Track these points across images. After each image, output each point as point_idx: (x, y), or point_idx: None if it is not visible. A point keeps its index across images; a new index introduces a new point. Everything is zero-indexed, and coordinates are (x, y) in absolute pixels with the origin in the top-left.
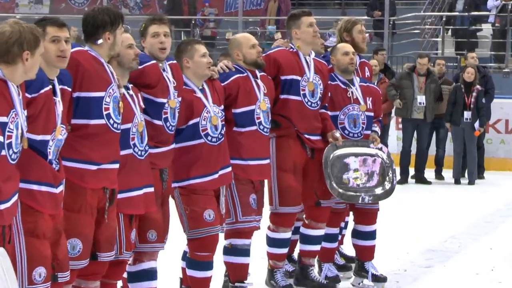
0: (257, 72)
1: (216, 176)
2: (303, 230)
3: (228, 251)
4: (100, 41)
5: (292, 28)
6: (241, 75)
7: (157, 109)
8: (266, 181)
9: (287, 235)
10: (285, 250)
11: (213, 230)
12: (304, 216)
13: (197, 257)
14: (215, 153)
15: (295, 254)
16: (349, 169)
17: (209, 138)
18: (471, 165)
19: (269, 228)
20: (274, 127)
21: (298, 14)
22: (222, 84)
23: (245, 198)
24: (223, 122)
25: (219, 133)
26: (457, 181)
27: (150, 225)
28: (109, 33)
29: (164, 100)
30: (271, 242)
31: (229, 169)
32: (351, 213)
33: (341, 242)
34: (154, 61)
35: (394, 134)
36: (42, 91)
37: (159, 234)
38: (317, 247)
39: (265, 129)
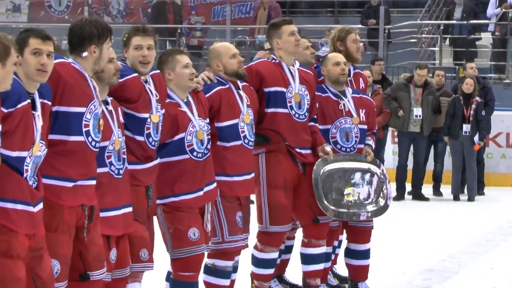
0: (238, 83)
1: (201, 193)
2: (304, 250)
3: (209, 271)
4: (85, 54)
5: (273, 38)
6: (223, 87)
7: (138, 125)
8: (255, 199)
9: (275, 255)
10: (271, 271)
11: (197, 250)
12: (302, 235)
13: (181, 278)
14: (201, 169)
15: (286, 275)
16: (341, 185)
17: (195, 153)
18: (471, 180)
19: (256, 247)
20: (264, 142)
21: (279, 23)
22: (205, 96)
23: (231, 216)
24: (209, 136)
25: (205, 148)
26: (456, 198)
27: (141, 243)
28: (95, 46)
29: (146, 115)
30: (258, 262)
31: (214, 185)
32: (344, 231)
33: (334, 262)
34: (135, 74)
35: (390, 149)
36: (20, 105)
37: (150, 253)
38: (320, 266)
39: (250, 143)
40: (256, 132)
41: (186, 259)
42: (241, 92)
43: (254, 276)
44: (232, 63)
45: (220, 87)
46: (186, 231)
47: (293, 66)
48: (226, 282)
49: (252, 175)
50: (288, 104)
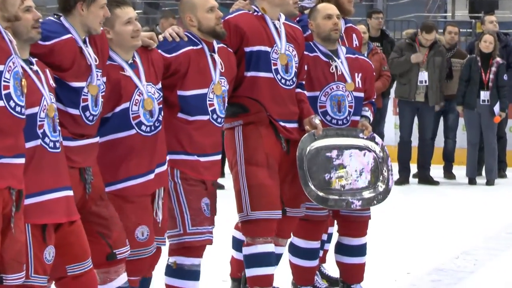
0: (214, 44)
1: (151, 176)
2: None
3: (172, 272)
4: None
5: None
6: (195, 47)
7: (72, 96)
8: (232, 182)
9: (267, 247)
10: (271, 270)
11: (145, 253)
12: None
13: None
14: (150, 147)
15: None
16: (331, 166)
17: (143, 127)
18: (490, 160)
19: (244, 244)
20: (240, 112)
21: None
22: (169, 56)
23: (196, 203)
24: (161, 105)
25: (155, 120)
26: (472, 181)
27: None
28: None
29: (82, 85)
30: (247, 260)
31: (165, 167)
32: (335, 222)
33: (322, 260)
34: (69, 36)
35: (392, 121)
36: None
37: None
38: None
39: (219, 119)
40: (231, 102)
41: (130, 263)
42: (216, 56)
43: (250, 281)
44: (209, 18)
45: (191, 47)
46: (133, 230)
47: (279, 20)
48: (196, 285)
49: (219, 156)
50: (273, 67)
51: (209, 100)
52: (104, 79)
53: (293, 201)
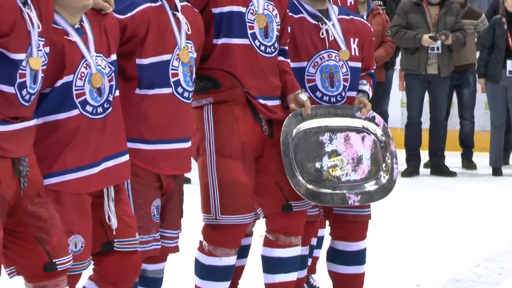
0: (176, 1)
1: (96, 170)
2: (267, 251)
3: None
4: None
5: None
6: (153, 4)
7: (8, 70)
8: (198, 175)
9: (231, 260)
10: (225, 285)
11: (77, 268)
12: (265, 230)
13: None
14: (97, 134)
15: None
16: (323, 152)
17: (88, 108)
18: None
19: (201, 249)
20: (211, 88)
21: None
22: (123, 18)
23: (145, 207)
24: (112, 83)
25: (105, 100)
26: (496, 171)
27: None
28: None
29: (22, 56)
30: (204, 271)
31: (124, 158)
32: (327, 223)
33: (312, 270)
34: None
35: (397, 98)
36: None
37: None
38: (293, 276)
39: (186, 94)
40: (199, 74)
41: None
42: (179, 15)
43: None
44: None
45: (149, 5)
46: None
47: None
48: None
49: (188, 143)
50: (249, 32)
51: (172, 69)
52: (47, 49)
53: (296, 193)
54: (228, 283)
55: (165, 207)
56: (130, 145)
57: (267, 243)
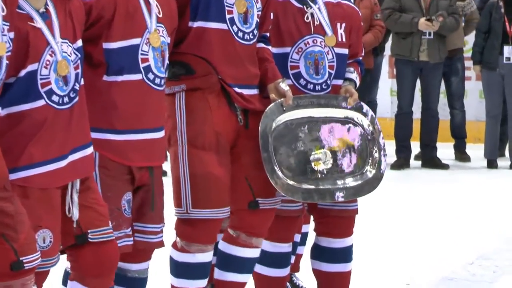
0: None
1: (63, 163)
2: (224, 246)
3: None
4: None
5: None
6: None
7: None
8: (169, 167)
9: (206, 257)
10: (201, 283)
11: (45, 265)
12: (227, 224)
13: None
14: (64, 125)
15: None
16: (305, 146)
17: (54, 98)
18: None
19: (174, 245)
20: (184, 74)
21: None
22: (87, 0)
23: (115, 201)
24: (78, 71)
25: (71, 89)
26: (491, 164)
27: None
28: None
29: None
30: (178, 268)
31: (90, 150)
32: (311, 218)
33: (294, 268)
34: None
35: (387, 86)
36: None
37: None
38: (245, 278)
39: (157, 80)
40: (171, 59)
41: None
42: None
43: None
44: None
45: None
46: (33, 234)
47: None
48: None
49: (161, 133)
50: (227, 16)
51: (142, 54)
52: (12, 34)
53: (266, 190)
54: (205, 281)
55: (143, 200)
56: (98, 135)
57: (227, 238)
